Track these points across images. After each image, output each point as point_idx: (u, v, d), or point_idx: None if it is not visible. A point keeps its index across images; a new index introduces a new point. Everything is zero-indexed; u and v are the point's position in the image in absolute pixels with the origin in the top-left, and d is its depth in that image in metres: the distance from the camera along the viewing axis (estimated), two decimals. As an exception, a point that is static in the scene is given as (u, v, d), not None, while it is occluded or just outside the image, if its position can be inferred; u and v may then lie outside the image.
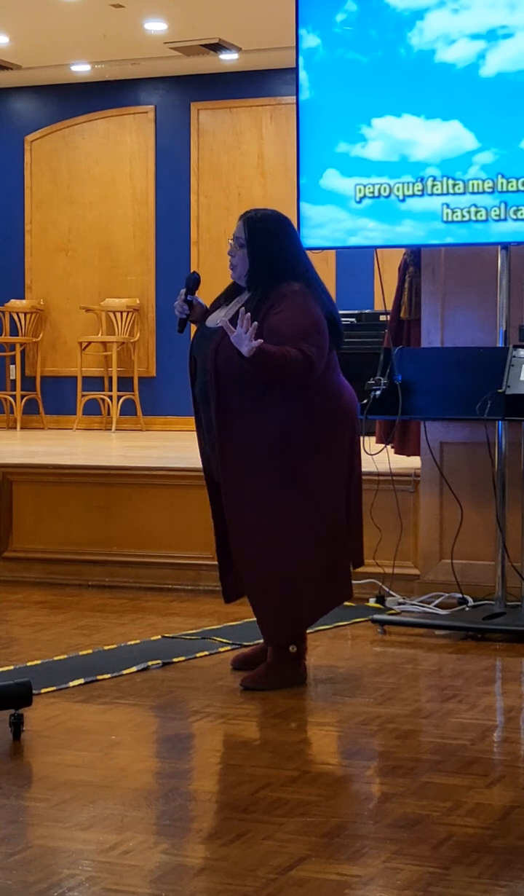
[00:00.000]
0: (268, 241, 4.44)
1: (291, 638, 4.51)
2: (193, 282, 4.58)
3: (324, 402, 4.44)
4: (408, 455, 6.33)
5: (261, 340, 4.14)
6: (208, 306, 4.63)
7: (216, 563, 4.71)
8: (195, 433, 4.64)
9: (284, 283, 4.38)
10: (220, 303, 4.59)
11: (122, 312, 11.05)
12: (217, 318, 4.49)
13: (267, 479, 4.38)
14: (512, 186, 5.40)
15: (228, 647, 5.07)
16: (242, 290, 4.53)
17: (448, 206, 5.51)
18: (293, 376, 4.25)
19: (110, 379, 10.84)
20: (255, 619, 4.78)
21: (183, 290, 4.57)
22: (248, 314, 4.15)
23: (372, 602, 5.81)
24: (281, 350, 4.20)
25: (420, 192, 5.56)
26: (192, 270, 4.70)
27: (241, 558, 4.48)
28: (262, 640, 4.73)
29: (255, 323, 4.14)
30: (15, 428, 11.01)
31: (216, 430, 4.39)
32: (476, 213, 5.46)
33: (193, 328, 4.65)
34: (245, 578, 4.51)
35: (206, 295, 4.68)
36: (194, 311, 4.58)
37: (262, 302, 4.36)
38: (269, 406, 4.37)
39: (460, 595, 5.69)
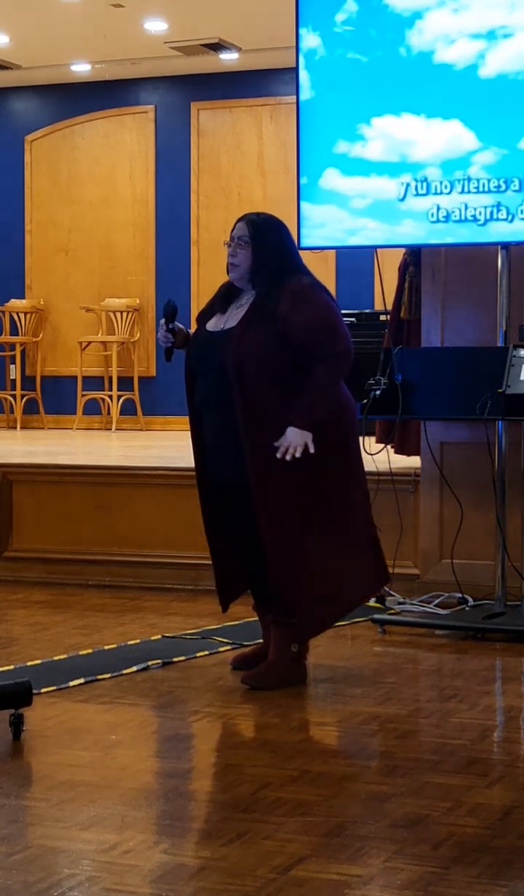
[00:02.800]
0: (273, 239, 4.49)
1: (295, 637, 4.52)
2: (171, 310, 4.61)
3: (345, 396, 4.51)
4: (408, 455, 6.32)
5: (307, 436, 4.29)
6: (196, 316, 4.64)
7: (210, 564, 4.71)
8: (192, 445, 4.66)
9: (291, 278, 4.42)
10: (215, 308, 4.59)
11: (122, 312, 11.05)
12: (218, 324, 4.50)
13: (295, 475, 4.38)
14: (512, 186, 5.40)
15: (228, 647, 5.07)
16: (238, 294, 4.54)
17: (448, 205, 5.51)
18: (335, 384, 4.42)
19: (110, 379, 10.84)
20: (254, 619, 4.79)
21: (163, 321, 4.60)
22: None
23: (372, 602, 5.80)
24: (311, 397, 4.33)
25: (420, 192, 5.56)
26: (168, 299, 4.72)
27: (277, 559, 4.42)
28: (261, 640, 4.74)
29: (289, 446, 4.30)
30: (15, 428, 11.00)
31: (243, 431, 4.37)
32: (476, 212, 5.46)
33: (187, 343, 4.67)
34: (282, 579, 4.44)
35: (207, 296, 4.69)
36: (178, 338, 4.61)
37: (270, 296, 4.38)
38: (292, 404, 4.39)
39: (460, 595, 5.69)
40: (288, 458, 4.29)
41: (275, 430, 4.35)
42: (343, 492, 4.47)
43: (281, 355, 4.35)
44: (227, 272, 4.53)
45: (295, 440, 4.30)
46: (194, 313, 4.69)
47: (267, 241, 4.47)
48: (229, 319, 4.47)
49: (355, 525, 4.52)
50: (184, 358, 4.64)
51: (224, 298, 4.58)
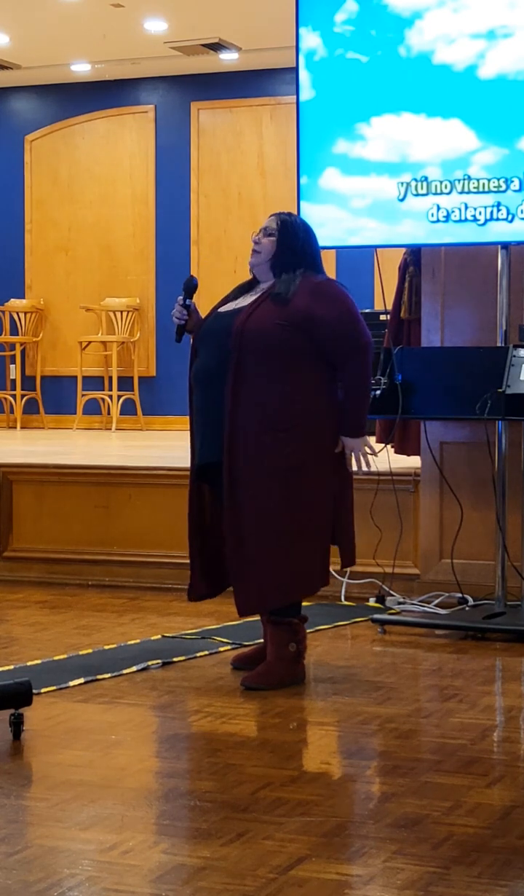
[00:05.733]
0: (297, 235, 4.61)
1: (292, 636, 4.52)
2: (191, 286, 4.62)
3: (332, 395, 4.52)
4: (408, 455, 6.33)
5: (365, 441, 4.55)
6: (211, 308, 4.66)
7: (188, 560, 4.69)
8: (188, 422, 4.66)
9: (309, 275, 4.52)
10: (228, 299, 4.63)
11: (122, 312, 11.05)
12: (230, 307, 4.55)
13: (271, 459, 4.39)
14: (512, 186, 5.40)
15: (228, 647, 5.06)
16: (254, 287, 4.58)
17: (448, 205, 5.51)
18: (369, 377, 4.56)
19: (110, 379, 10.84)
20: (255, 619, 4.79)
21: (180, 297, 4.61)
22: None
23: (372, 602, 5.81)
24: (354, 402, 4.51)
25: (420, 192, 5.56)
26: (190, 274, 4.74)
27: (233, 533, 4.42)
28: (261, 640, 4.74)
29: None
30: (15, 428, 11.01)
31: (230, 406, 4.38)
32: (476, 212, 5.46)
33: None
34: (234, 552, 4.43)
35: (207, 294, 4.69)
36: (191, 318, 4.62)
37: (287, 287, 4.46)
38: (286, 393, 4.41)
39: (460, 595, 5.69)
40: (363, 468, 4.55)
41: (259, 413, 4.38)
42: (313, 490, 4.47)
43: (286, 336, 4.39)
44: (250, 259, 4.60)
45: (357, 447, 4.53)
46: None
47: (293, 237, 4.58)
48: (242, 302, 4.54)
49: (314, 525, 4.49)
50: (188, 357, 4.65)
51: (239, 291, 4.64)
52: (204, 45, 10.19)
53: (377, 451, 5.59)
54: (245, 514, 4.41)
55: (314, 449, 4.46)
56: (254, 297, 4.52)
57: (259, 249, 4.57)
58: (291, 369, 4.42)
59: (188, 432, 4.65)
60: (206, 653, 4.99)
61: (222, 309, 4.60)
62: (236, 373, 4.39)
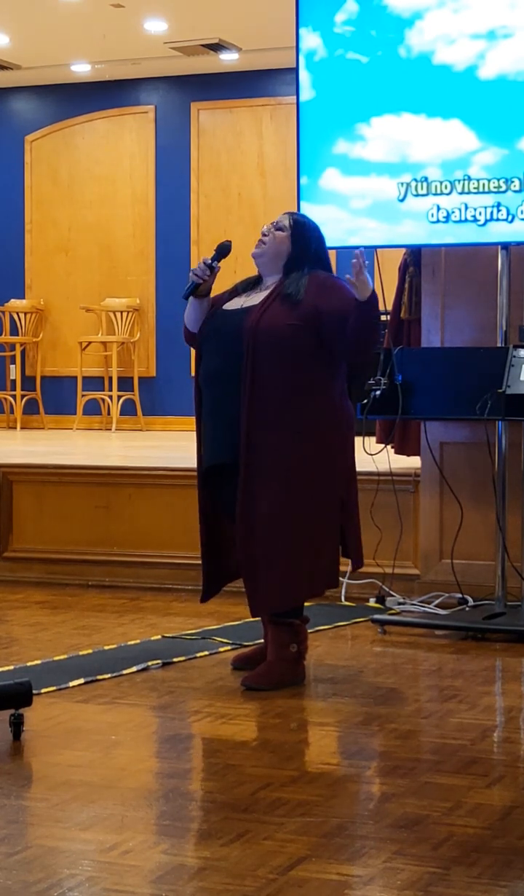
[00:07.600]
0: (311, 235, 4.62)
1: (293, 637, 4.52)
2: (225, 250, 4.62)
3: (342, 396, 4.53)
4: (408, 455, 6.32)
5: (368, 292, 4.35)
6: (215, 303, 4.64)
7: (200, 560, 4.69)
8: (194, 424, 4.63)
9: (316, 272, 4.52)
10: (237, 291, 4.62)
11: (122, 312, 11.05)
12: (236, 304, 4.54)
13: (286, 460, 4.39)
14: (512, 186, 5.40)
15: (228, 647, 5.06)
16: (259, 284, 4.59)
17: (448, 205, 5.51)
18: (376, 333, 4.52)
19: (110, 379, 10.84)
20: (255, 618, 4.79)
21: (207, 258, 4.59)
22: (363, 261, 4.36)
23: (372, 602, 5.81)
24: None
25: (420, 192, 5.56)
26: (227, 240, 4.73)
27: (246, 534, 4.41)
28: (261, 640, 4.74)
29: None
30: (15, 428, 11.01)
31: (246, 407, 4.37)
32: (476, 213, 5.46)
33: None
34: (248, 552, 4.42)
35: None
36: (207, 282, 4.60)
37: (297, 285, 4.45)
38: (299, 394, 4.41)
39: (460, 595, 5.70)
40: (354, 274, 4.32)
41: (274, 413, 4.37)
42: (325, 491, 4.47)
43: (299, 337, 4.39)
44: (254, 250, 4.59)
45: (368, 281, 4.35)
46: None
47: (307, 238, 4.59)
48: (250, 300, 4.52)
49: (326, 525, 4.50)
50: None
51: (244, 286, 4.63)
52: (204, 46, 10.19)
53: (375, 451, 5.61)
54: (258, 514, 4.40)
55: (326, 450, 4.46)
56: (262, 296, 4.50)
57: (265, 241, 4.57)
58: (305, 370, 4.41)
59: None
60: (206, 653, 4.99)
61: (227, 306, 4.58)
62: (251, 374, 4.38)
